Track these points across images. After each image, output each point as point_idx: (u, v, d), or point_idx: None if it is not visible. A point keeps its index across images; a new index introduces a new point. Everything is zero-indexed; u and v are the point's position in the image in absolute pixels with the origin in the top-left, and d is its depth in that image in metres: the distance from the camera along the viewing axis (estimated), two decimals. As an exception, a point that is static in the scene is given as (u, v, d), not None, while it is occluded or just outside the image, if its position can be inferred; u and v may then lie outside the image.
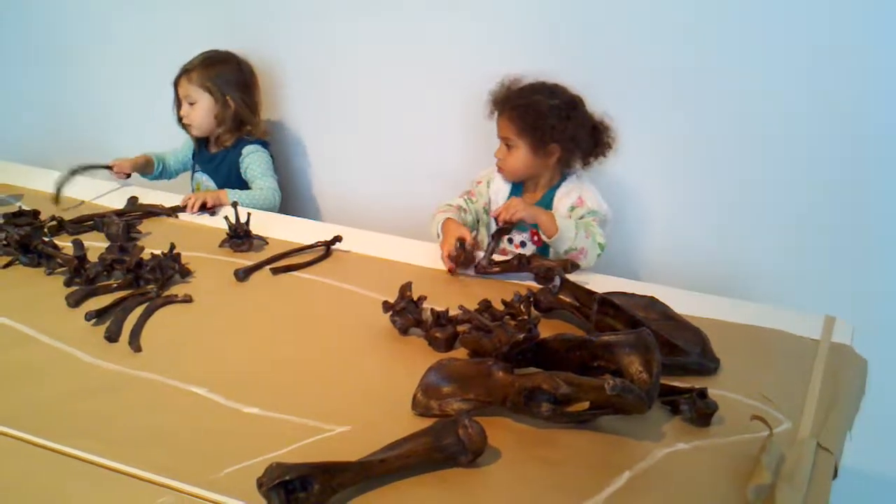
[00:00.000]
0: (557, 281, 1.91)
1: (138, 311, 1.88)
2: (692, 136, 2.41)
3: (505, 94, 2.33)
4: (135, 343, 1.75)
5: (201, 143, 2.84)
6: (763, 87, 2.30)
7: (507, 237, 2.36)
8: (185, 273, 2.04)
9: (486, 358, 1.58)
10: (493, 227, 2.29)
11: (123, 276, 1.99)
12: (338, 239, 2.22)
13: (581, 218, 2.25)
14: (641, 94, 2.43)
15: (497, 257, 2.17)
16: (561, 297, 1.90)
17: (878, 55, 2.17)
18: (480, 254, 2.16)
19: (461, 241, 2.12)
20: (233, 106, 2.71)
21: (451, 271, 2.13)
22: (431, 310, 1.80)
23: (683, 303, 1.92)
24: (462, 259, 2.12)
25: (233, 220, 2.20)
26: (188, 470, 1.37)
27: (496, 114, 2.34)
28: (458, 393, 1.54)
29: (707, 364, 1.72)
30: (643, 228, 2.55)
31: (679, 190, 2.50)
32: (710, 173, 2.44)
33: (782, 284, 2.41)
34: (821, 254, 2.37)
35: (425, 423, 1.47)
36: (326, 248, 2.21)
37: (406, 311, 1.80)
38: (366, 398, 1.61)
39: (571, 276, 1.99)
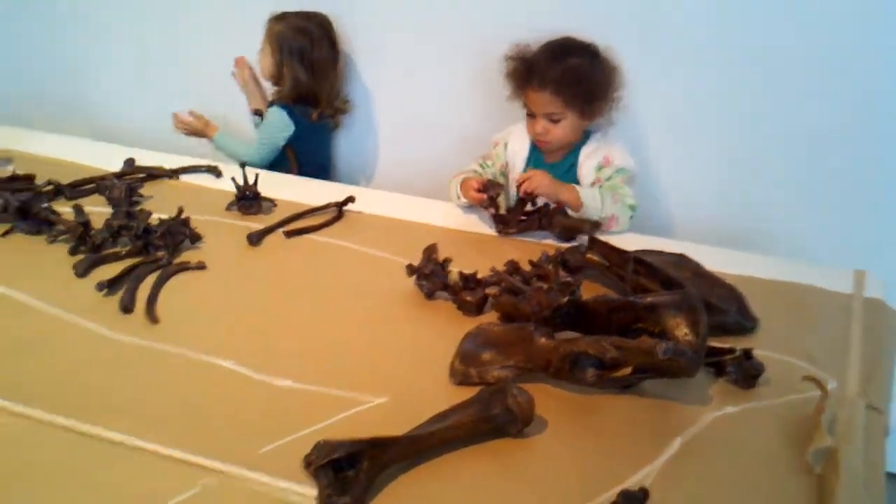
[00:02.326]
0: (585, 239, 1.85)
1: (150, 279, 1.80)
2: (707, 90, 2.35)
3: (531, 65, 2.18)
4: (152, 314, 1.67)
5: None
6: (778, 41, 2.24)
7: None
8: (196, 238, 1.96)
9: (526, 323, 1.52)
10: (514, 193, 2.23)
11: (131, 242, 1.90)
12: (350, 199, 2.14)
13: (609, 179, 2.17)
14: (654, 49, 2.36)
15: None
16: (589, 256, 1.85)
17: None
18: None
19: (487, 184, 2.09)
20: (287, 76, 2.62)
21: (481, 202, 2.09)
22: (459, 273, 1.74)
23: (710, 258, 1.86)
24: (495, 194, 2.07)
25: (240, 182, 2.12)
26: (226, 449, 1.31)
27: (524, 88, 2.20)
28: (497, 360, 1.49)
29: (745, 322, 1.68)
30: (660, 184, 2.49)
31: (694, 144, 2.43)
32: (726, 128, 2.37)
33: (802, 239, 2.37)
34: (841, 207, 2.33)
35: (464, 392, 1.43)
36: (339, 210, 2.13)
37: (434, 275, 1.74)
38: (400, 367, 1.55)
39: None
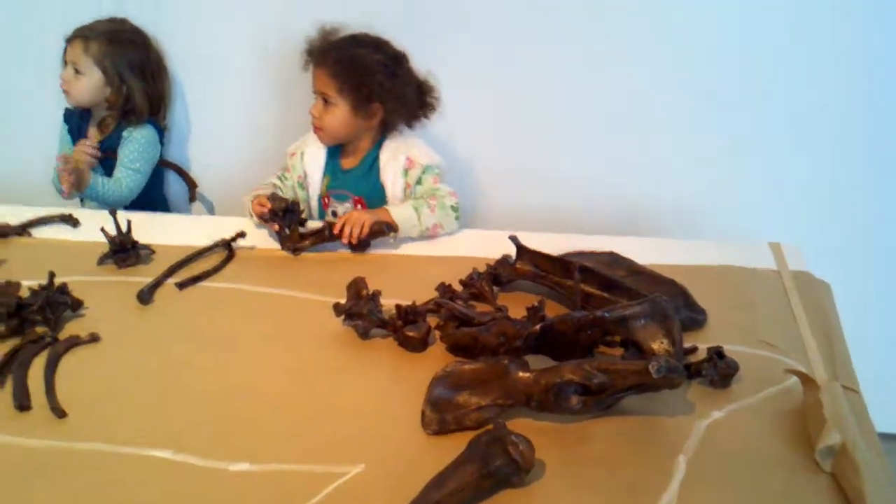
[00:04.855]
0: (514, 250, 1.76)
1: (38, 363, 1.54)
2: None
3: (323, 44, 2.13)
4: (55, 406, 1.42)
5: (81, 123, 2.45)
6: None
7: (332, 210, 2.21)
8: (77, 305, 1.70)
9: (497, 357, 1.40)
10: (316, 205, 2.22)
11: (4, 322, 1.63)
12: (241, 235, 1.94)
13: (419, 183, 2.12)
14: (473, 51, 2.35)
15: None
16: (519, 266, 1.75)
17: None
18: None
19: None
20: (127, 93, 2.37)
21: (262, 216, 1.97)
22: (396, 306, 1.60)
23: (622, 250, 1.82)
24: (278, 209, 1.93)
25: (113, 233, 1.86)
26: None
27: (312, 66, 2.13)
28: (473, 401, 1.36)
29: (696, 316, 1.64)
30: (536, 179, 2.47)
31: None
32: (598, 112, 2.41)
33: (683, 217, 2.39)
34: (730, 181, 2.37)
35: (442, 441, 1.32)
36: (229, 248, 1.92)
37: (370, 313, 1.58)
38: (364, 424, 1.39)
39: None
